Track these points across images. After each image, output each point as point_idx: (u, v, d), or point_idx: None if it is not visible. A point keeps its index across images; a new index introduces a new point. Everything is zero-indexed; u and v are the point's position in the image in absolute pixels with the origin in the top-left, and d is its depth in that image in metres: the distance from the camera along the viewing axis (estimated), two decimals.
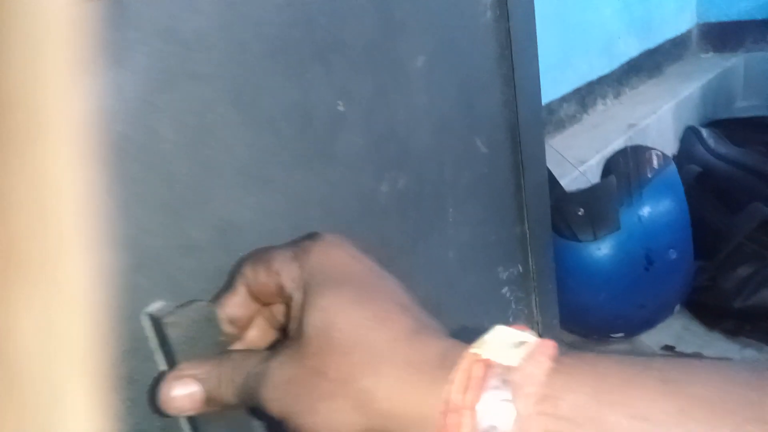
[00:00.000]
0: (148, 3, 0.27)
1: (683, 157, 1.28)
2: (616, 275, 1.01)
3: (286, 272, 0.27)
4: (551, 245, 0.61)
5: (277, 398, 0.25)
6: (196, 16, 0.29)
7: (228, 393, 0.26)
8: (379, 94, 0.40)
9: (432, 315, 0.27)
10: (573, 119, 1.48)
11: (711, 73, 1.87)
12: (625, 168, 1.04)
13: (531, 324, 0.61)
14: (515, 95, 0.52)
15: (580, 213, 0.95)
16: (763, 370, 0.21)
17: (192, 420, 0.29)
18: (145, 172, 0.27)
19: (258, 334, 0.30)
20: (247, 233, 0.31)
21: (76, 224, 0.11)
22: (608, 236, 0.98)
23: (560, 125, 1.43)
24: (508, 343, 0.23)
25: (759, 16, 1.99)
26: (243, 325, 0.30)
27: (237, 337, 0.30)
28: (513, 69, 0.51)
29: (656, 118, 1.51)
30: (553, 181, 0.95)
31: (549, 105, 1.38)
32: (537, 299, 0.61)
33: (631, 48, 1.72)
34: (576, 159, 1.17)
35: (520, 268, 0.58)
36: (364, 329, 0.25)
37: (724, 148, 1.37)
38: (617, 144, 1.29)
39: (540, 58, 0.54)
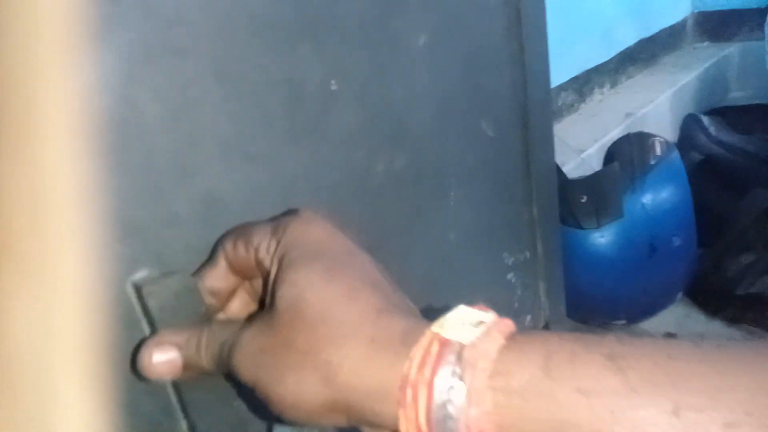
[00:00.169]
0: None
1: (684, 144, 1.27)
2: (620, 262, 1.00)
3: (263, 247, 0.28)
4: (558, 231, 0.59)
5: (247, 366, 0.26)
6: None
7: (204, 360, 0.27)
8: (375, 73, 0.39)
9: (425, 295, 0.29)
10: (571, 108, 1.47)
11: (706, 62, 1.86)
12: (628, 155, 1.03)
13: (538, 311, 0.60)
14: (524, 75, 0.50)
15: (583, 200, 0.94)
16: (705, 344, 0.22)
17: (175, 384, 0.30)
18: (127, 145, 0.28)
19: (239, 307, 0.31)
20: (232, 208, 0.32)
21: (72, 222, 0.11)
22: (611, 223, 0.97)
23: (558, 114, 1.42)
24: (467, 322, 0.24)
25: (754, 5, 1.98)
26: (224, 298, 0.31)
27: (218, 309, 0.31)
28: (522, 48, 0.49)
29: (653, 108, 1.50)
30: (556, 167, 0.94)
31: None
32: (544, 285, 0.60)
33: (627, 37, 1.71)
34: (575, 148, 1.16)
35: (527, 254, 0.57)
36: (332, 304, 0.26)
37: (725, 135, 1.36)
38: (615, 133, 1.28)
39: None
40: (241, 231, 0.30)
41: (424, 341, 0.24)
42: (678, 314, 1.18)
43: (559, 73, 1.42)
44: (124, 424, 0.29)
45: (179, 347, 0.28)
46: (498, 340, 0.23)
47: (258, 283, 0.31)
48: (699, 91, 1.75)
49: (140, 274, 0.28)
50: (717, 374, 0.20)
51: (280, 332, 0.26)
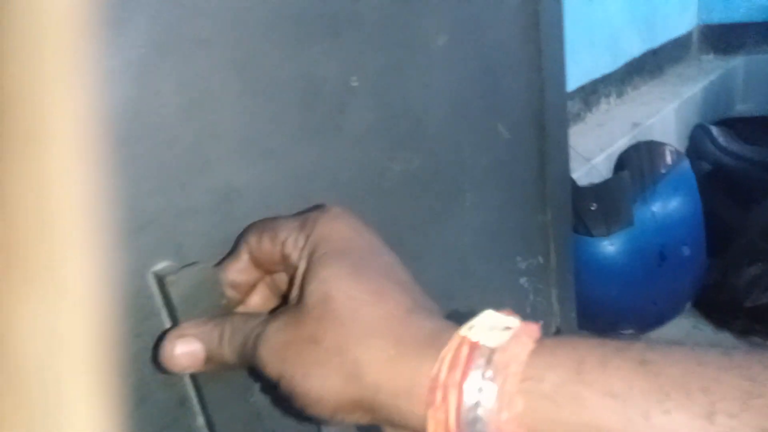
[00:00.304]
0: None
1: (692, 154, 1.27)
2: (629, 271, 0.99)
3: (291, 242, 0.28)
4: (572, 237, 0.59)
5: (273, 361, 0.26)
6: None
7: (227, 353, 0.27)
8: (394, 72, 0.39)
9: (438, 297, 0.28)
10: (577, 117, 1.47)
11: (712, 74, 1.87)
12: (638, 163, 1.02)
13: (549, 316, 0.60)
14: (541, 79, 0.50)
15: (593, 208, 0.94)
16: (734, 353, 0.22)
17: (194, 377, 0.30)
18: (147, 134, 0.27)
19: (260, 300, 0.31)
20: (249, 201, 0.31)
21: (77, 224, 0.11)
22: (621, 231, 0.97)
23: None
24: (494, 327, 0.24)
25: (760, 19, 1.99)
26: (245, 291, 0.30)
27: (239, 302, 0.31)
28: (540, 51, 0.49)
29: (660, 118, 1.50)
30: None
31: None
32: (556, 291, 0.59)
33: (634, 47, 1.71)
34: (583, 155, 1.16)
35: (540, 259, 0.56)
36: (360, 303, 0.25)
37: (735, 146, 1.36)
38: (622, 143, 1.28)
39: None
40: (266, 225, 0.29)
41: (453, 344, 0.24)
42: (685, 325, 1.17)
43: (567, 82, 1.41)
44: (140, 417, 0.28)
45: (201, 340, 0.27)
46: (528, 345, 0.23)
47: (279, 277, 0.31)
48: (704, 103, 1.75)
49: (161, 265, 0.28)
50: (748, 381, 0.20)
51: (308, 328, 0.25)
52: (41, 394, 0.10)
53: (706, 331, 1.17)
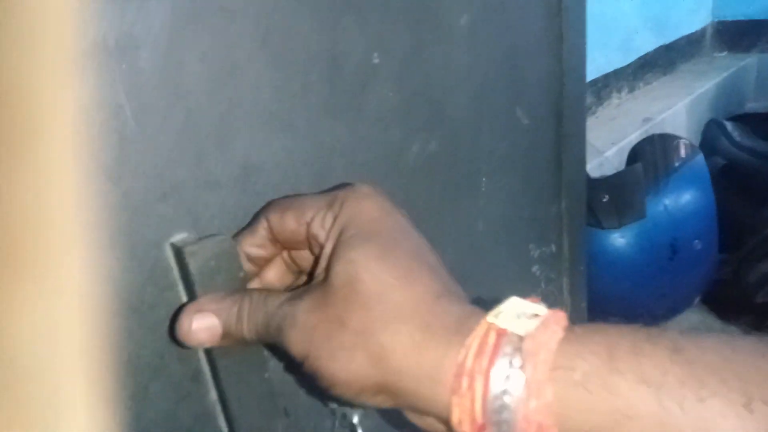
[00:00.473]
0: None
1: (705, 149, 1.25)
2: (640, 264, 0.98)
3: (318, 221, 0.28)
4: (585, 227, 0.58)
5: (300, 341, 0.26)
6: None
7: (245, 329, 0.27)
8: (416, 51, 0.38)
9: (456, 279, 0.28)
10: (588, 111, 1.46)
11: (724, 71, 1.85)
12: (652, 156, 1.01)
13: (560, 306, 0.59)
14: (561, 66, 0.50)
15: (604, 200, 0.93)
16: (767, 339, 0.22)
17: (208, 352, 0.29)
18: (168, 104, 0.27)
19: (275, 275, 0.31)
20: (268, 176, 0.31)
21: (76, 222, 0.10)
22: (633, 224, 0.96)
23: None
24: (522, 314, 0.24)
25: None
26: (261, 265, 0.30)
27: (255, 274, 0.30)
28: (561, 38, 0.48)
29: (671, 114, 1.49)
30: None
31: None
32: (567, 281, 0.59)
33: (647, 43, 1.70)
34: (593, 150, 1.15)
35: (553, 248, 0.56)
36: (388, 287, 0.25)
37: (749, 141, 1.34)
38: (634, 137, 1.27)
39: None
40: (291, 203, 0.29)
41: (479, 331, 0.24)
42: (694, 320, 1.17)
43: None
44: (154, 390, 0.28)
45: (219, 315, 0.27)
46: (557, 333, 0.23)
47: (298, 254, 0.30)
48: (716, 100, 1.74)
49: (179, 236, 0.28)
50: None
51: (335, 310, 0.25)
52: (40, 393, 0.10)
53: (715, 326, 1.16)
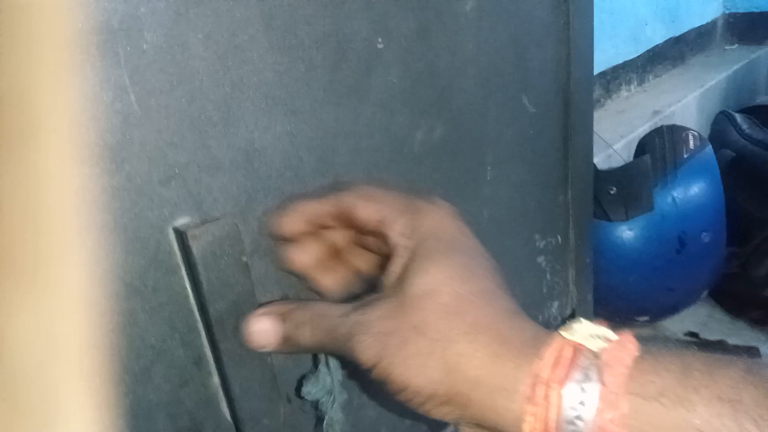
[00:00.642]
0: None
1: (715, 141, 1.24)
2: (647, 257, 0.98)
3: (398, 227, 0.29)
4: (591, 218, 0.58)
5: (373, 346, 0.26)
6: None
7: (307, 336, 0.28)
8: (421, 36, 0.38)
9: None
10: (597, 103, 1.45)
11: (735, 64, 1.83)
12: (660, 147, 1.00)
13: (565, 297, 0.59)
14: (568, 53, 0.49)
15: (612, 192, 0.92)
16: None
17: (211, 335, 0.29)
18: (172, 85, 0.27)
19: (331, 282, 0.32)
20: (271, 160, 0.31)
21: (73, 223, 0.10)
22: (641, 217, 0.95)
23: None
24: (594, 334, 0.25)
25: None
26: (293, 239, 0.31)
27: (311, 281, 0.31)
28: (569, 25, 0.48)
29: (681, 107, 1.48)
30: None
31: None
32: (573, 272, 0.58)
33: (657, 35, 1.68)
34: (602, 143, 1.14)
35: (559, 238, 0.56)
36: (466, 302, 0.26)
37: (759, 133, 1.33)
38: (643, 130, 1.26)
39: None
40: (373, 193, 0.30)
41: (556, 345, 0.25)
42: (701, 314, 1.16)
43: None
44: (155, 374, 0.28)
45: (283, 320, 0.28)
46: (632, 350, 0.24)
47: (331, 234, 0.31)
48: (727, 93, 1.72)
49: (182, 220, 0.28)
50: None
51: (412, 318, 0.26)
52: (38, 395, 0.10)
53: (723, 320, 1.15)
